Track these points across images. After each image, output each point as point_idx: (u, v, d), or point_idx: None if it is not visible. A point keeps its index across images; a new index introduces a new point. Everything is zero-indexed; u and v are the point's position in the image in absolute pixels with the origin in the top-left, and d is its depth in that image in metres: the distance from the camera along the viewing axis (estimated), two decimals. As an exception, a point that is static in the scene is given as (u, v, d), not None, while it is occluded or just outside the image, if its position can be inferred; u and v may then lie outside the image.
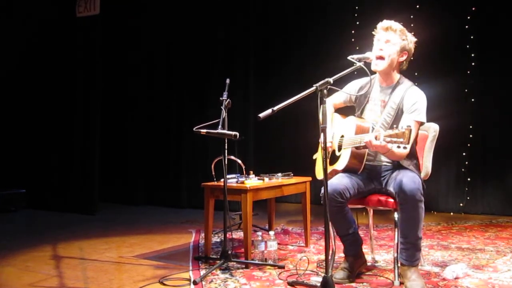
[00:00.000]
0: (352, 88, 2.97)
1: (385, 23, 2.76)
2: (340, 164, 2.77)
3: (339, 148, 2.84)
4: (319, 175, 3.04)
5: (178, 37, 6.09)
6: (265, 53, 6.18)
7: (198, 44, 5.94)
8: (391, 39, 2.72)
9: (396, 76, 2.81)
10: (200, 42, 5.92)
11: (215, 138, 3.08)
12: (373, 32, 2.81)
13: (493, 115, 5.09)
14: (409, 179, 2.53)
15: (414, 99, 2.68)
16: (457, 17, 5.16)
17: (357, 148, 2.68)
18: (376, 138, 2.39)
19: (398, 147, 2.28)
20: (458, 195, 5.22)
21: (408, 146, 2.29)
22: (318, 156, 3.14)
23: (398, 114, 2.72)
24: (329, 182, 2.66)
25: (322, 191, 2.65)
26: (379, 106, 2.81)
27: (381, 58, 2.72)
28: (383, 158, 2.80)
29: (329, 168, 2.80)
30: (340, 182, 2.68)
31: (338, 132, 2.91)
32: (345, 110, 3.09)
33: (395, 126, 2.35)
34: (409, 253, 2.57)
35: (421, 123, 2.71)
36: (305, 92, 2.38)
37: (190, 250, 3.64)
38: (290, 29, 6.12)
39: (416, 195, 2.49)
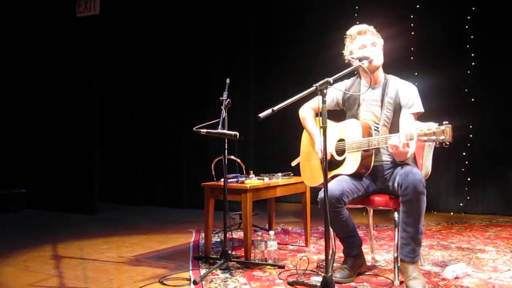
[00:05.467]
0: (337, 93, 2.95)
1: (360, 27, 2.80)
2: (348, 169, 2.72)
3: (341, 153, 2.80)
4: (313, 182, 2.97)
5: (178, 37, 6.10)
6: (265, 53, 6.17)
7: (198, 43, 5.94)
8: (374, 40, 2.78)
9: (382, 74, 2.85)
10: (200, 42, 5.92)
11: (215, 138, 3.07)
12: (348, 39, 2.83)
13: (493, 115, 5.09)
14: (412, 172, 2.56)
15: (409, 93, 2.76)
16: (457, 17, 5.16)
17: (366, 151, 2.67)
18: (407, 138, 2.38)
19: (439, 144, 2.28)
20: (458, 195, 5.22)
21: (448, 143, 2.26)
22: (304, 162, 3.07)
23: (397, 109, 2.77)
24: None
25: (320, 195, 2.61)
26: (376, 106, 2.82)
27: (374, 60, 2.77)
28: (384, 158, 2.80)
29: (329, 174, 2.75)
30: (337, 187, 2.64)
31: (333, 136, 2.86)
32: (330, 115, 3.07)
33: (432, 125, 2.32)
34: (410, 248, 2.57)
35: (420, 113, 2.78)
36: (305, 92, 2.37)
37: (190, 250, 3.64)
38: (290, 29, 6.12)
39: (419, 186, 2.50)
